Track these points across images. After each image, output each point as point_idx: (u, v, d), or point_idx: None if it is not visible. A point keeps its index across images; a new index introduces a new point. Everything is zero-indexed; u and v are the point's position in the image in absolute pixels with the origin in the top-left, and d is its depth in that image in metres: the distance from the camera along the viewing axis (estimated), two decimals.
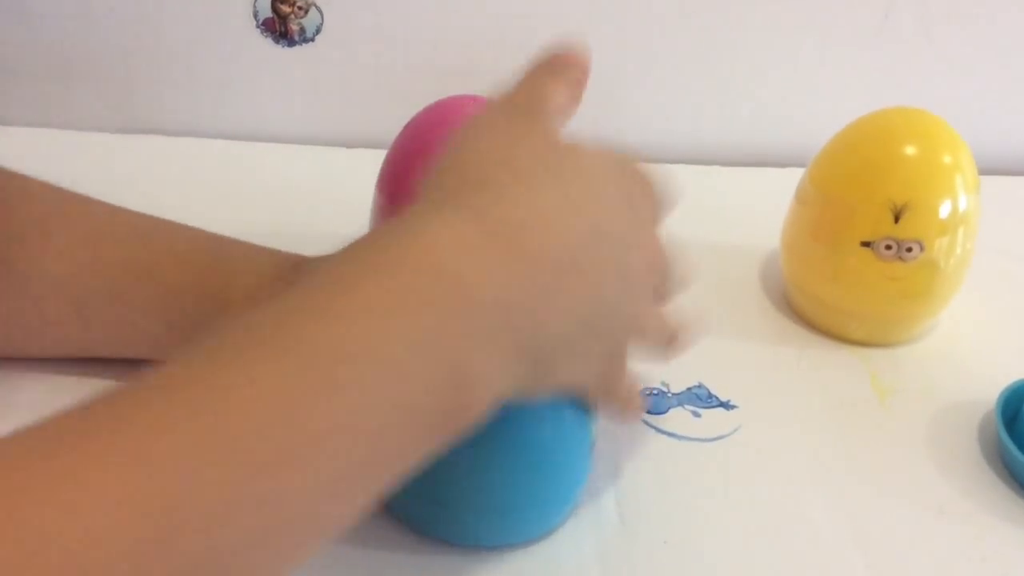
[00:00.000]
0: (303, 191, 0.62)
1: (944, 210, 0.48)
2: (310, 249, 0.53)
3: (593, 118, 0.69)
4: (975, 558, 0.40)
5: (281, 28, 0.66)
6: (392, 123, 0.49)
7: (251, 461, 0.23)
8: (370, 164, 0.49)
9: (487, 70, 0.63)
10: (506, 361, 0.29)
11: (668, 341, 0.38)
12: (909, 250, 0.47)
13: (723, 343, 0.51)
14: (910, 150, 0.48)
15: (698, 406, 0.47)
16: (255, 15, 0.65)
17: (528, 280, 0.29)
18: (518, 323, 0.29)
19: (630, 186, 0.36)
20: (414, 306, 0.27)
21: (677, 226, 0.60)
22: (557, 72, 0.36)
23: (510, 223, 0.30)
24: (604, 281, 0.32)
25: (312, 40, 0.66)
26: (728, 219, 0.62)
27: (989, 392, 0.46)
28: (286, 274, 0.42)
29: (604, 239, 0.32)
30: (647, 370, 0.48)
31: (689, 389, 0.48)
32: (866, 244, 0.48)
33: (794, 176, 0.53)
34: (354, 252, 0.29)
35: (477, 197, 0.30)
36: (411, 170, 0.46)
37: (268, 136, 0.68)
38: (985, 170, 0.50)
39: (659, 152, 0.69)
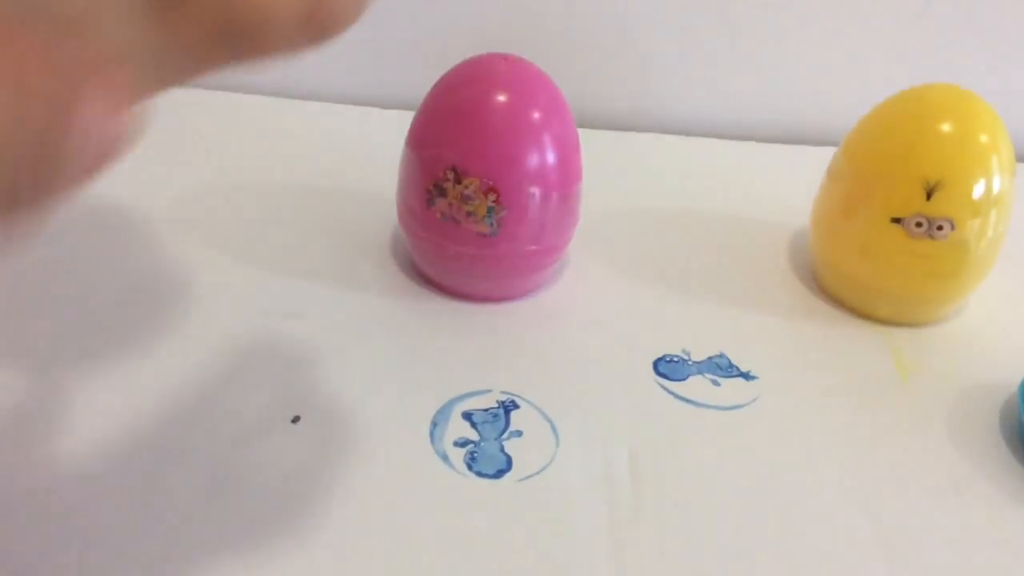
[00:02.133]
0: (337, 147, 0.63)
1: (978, 190, 0.47)
2: (343, 203, 0.54)
3: (629, 92, 0.70)
4: (989, 537, 0.40)
5: None
6: (425, 86, 0.50)
7: None
8: (403, 124, 0.49)
9: (520, 31, 0.63)
10: None
11: None
12: (940, 228, 0.47)
13: (747, 315, 0.51)
14: (946, 127, 0.47)
15: (718, 375, 0.47)
16: None
17: None
18: None
19: None
20: None
21: (709, 200, 0.61)
22: None
23: None
24: None
25: None
26: (760, 195, 0.62)
27: (1013, 376, 0.46)
28: None
29: None
30: (668, 337, 0.49)
31: (710, 358, 0.48)
32: (896, 220, 0.47)
33: (829, 155, 0.53)
34: None
35: None
36: (439, 124, 0.46)
37: (304, 94, 0.68)
38: (1021, 156, 0.49)
39: (695, 126, 0.70)
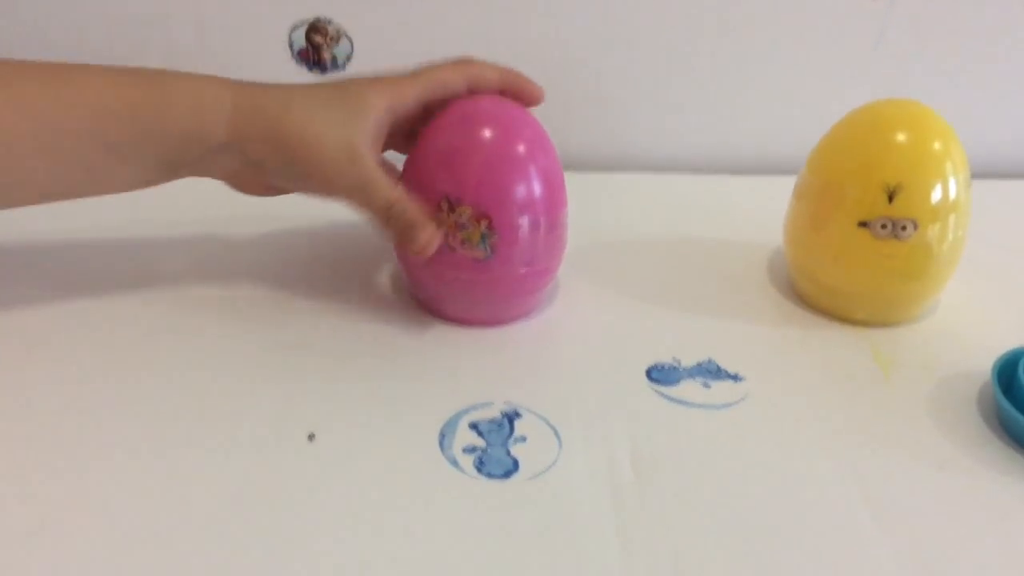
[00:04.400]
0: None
1: (936, 194, 0.50)
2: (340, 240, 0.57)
3: (606, 135, 0.74)
4: (973, 506, 0.42)
5: (315, 57, 0.71)
6: None
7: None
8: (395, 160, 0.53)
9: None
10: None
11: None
12: (904, 228, 0.50)
13: (732, 325, 0.54)
14: (901, 136, 0.51)
15: (708, 379, 0.50)
16: (290, 46, 0.70)
17: None
18: None
19: None
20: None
21: (690, 229, 0.65)
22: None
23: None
24: None
25: (343, 68, 0.71)
26: (736, 221, 0.66)
27: (987, 364, 0.49)
28: (227, 96, 0.47)
29: None
30: (659, 348, 0.51)
31: (699, 364, 0.51)
32: (863, 224, 0.51)
33: (794, 181, 0.57)
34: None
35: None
36: (431, 159, 0.50)
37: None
38: (977, 174, 0.53)
39: (671, 164, 0.74)
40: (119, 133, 0.46)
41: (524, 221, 0.50)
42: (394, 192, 0.48)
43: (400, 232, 0.48)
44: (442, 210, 0.49)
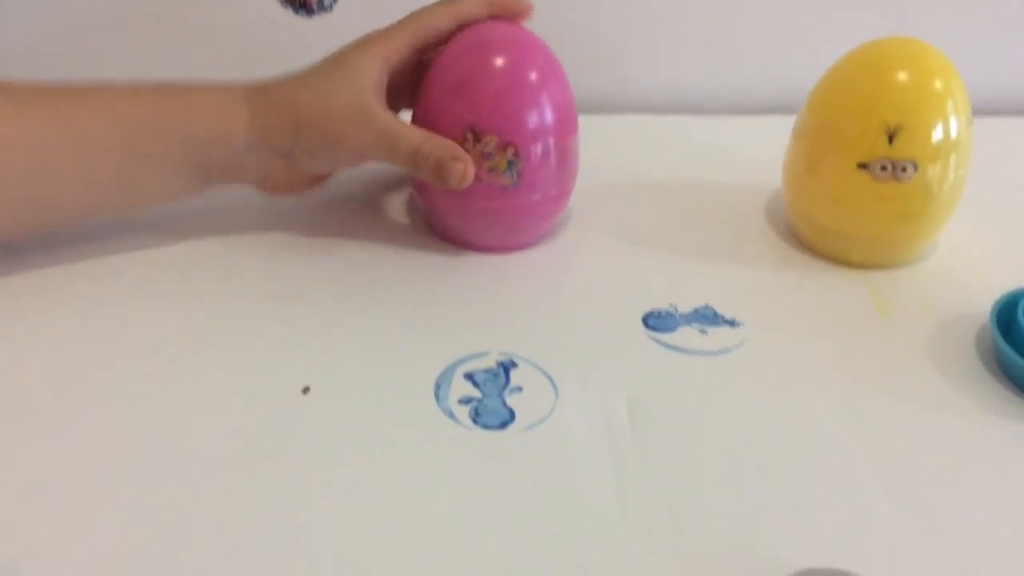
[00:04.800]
0: None
1: (936, 133, 0.50)
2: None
3: (601, 75, 0.73)
4: (971, 447, 0.42)
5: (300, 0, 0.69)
6: None
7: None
8: None
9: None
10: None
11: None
12: (904, 170, 0.49)
13: (729, 270, 0.54)
14: (902, 75, 0.50)
15: (705, 325, 0.49)
16: None
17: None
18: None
19: None
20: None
21: (687, 171, 0.64)
22: None
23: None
24: None
25: (329, 9, 0.69)
26: (734, 163, 0.65)
27: (985, 305, 0.48)
28: (243, 98, 0.50)
29: None
30: (656, 294, 0.51)
31: (696, 310, 0.50)
32: (863, 166, 0.50)
33: (793, 121, 0.55)
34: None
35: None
36: (451, 91, 0.50)
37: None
38: (978, 111, 0.52)
39: (668, 104, 0.72)
40: (146, 143, 0.48)
41: (546, 147, 0.50)
42: (417, 135, 0.49)
43: (433, 172, 0.48)
44: (467, 141, 0.49)
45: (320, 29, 0.69)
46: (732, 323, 0.49)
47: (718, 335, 0.48)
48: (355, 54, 0.49)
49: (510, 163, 0.49)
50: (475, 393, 0.44)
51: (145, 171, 0.49)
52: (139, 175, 0.49)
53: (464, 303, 0.50)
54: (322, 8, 0.69)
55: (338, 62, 0.50)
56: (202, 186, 0.51)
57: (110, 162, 0.48)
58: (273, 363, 0.45)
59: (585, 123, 0.53)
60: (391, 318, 0.49)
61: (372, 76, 0.48)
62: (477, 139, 0.49)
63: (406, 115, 0.53)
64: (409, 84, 0.52)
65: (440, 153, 0.48)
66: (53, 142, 0.46)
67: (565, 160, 0.52)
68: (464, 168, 0.48)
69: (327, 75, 0.49)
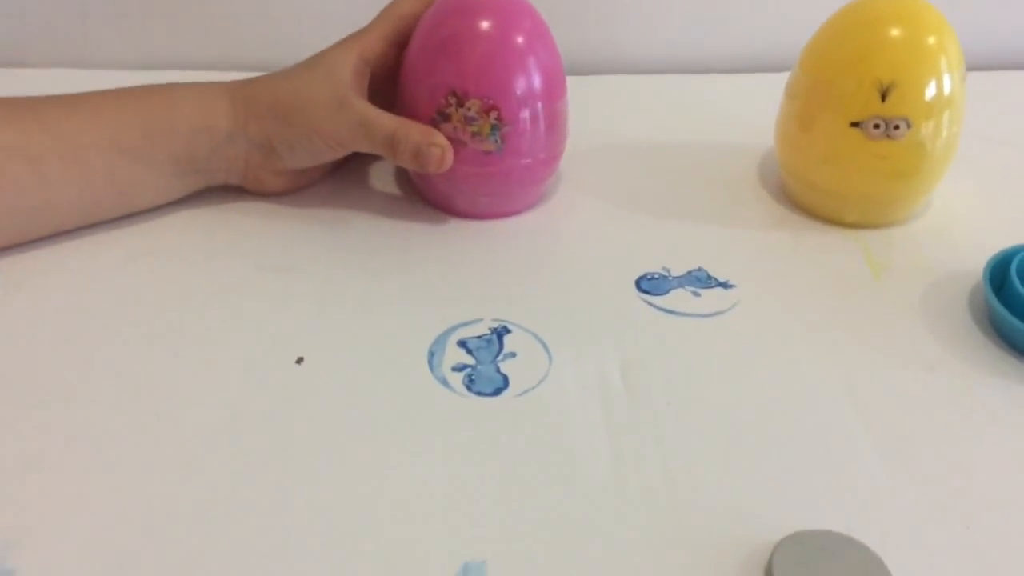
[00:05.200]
0: None
1: (930, 90, 0.49)
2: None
3: (590, 34, 0.72)
4: (963, 406, 0.42)
5: None
6: None
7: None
8: None
9: None
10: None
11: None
12: (896, 128, 0.49)
13: (722, 231, 0.53)
14: (895, 31, 0.49)
15: (698, 287, 0.49)
16: None
17: None
18: None
19: None
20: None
21: (679, 132, 0.63)
22: None
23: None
24: None
25: None
26: (726, 123, 0.64)
27: (977, 264, 0.48)
28: (225, 92, 0.51)
29: None
30: (648, 256, 0.51)
31: (689, 272, 0.50)
32: (855, 124, 0.49)
33: (786, 79, 0.55)
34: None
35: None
36: (434, 54, 0.49)
37: (281, 66, 0.70)
38: (971, 66, 0.51)
39: (659, 63, 0.72)
40: (133, 138, 0.49)
41: (532, 111, 0.50)
42: (392, 122, 0.49)
43: (411, 157, 0.49)
44: (450, 105, 0.49)
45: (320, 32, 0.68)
46: (725, 285, 0.49)
47: (711, 297, 0.48)
48: (333, 51, 0.51)
49: (493, 127, 0.49)
50: (469, 360, 0.44)
51: (134, 169, 0.50)
52: (129, 174, 0.50)
53: (456, 270, 0.50)
54: None
55: (316, 58, 0.51)
56: (190, 184, 0.52)
57: (101, 164, 0.49)
58: (266, 334, 0.45)
59: (574, 84, 0.53)
60: (384, 287, 0.48)
61: (348, 69, 0.49)
62: (460, 103, 0.48)
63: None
64: (394, 80, 0.52)
65: (417, 139, 0.49)
66: (46, 149, 0.47)
67: (553, 124, 0.51)
68: (442, 153, 0.49)
69: (306, 69, 0.51)
